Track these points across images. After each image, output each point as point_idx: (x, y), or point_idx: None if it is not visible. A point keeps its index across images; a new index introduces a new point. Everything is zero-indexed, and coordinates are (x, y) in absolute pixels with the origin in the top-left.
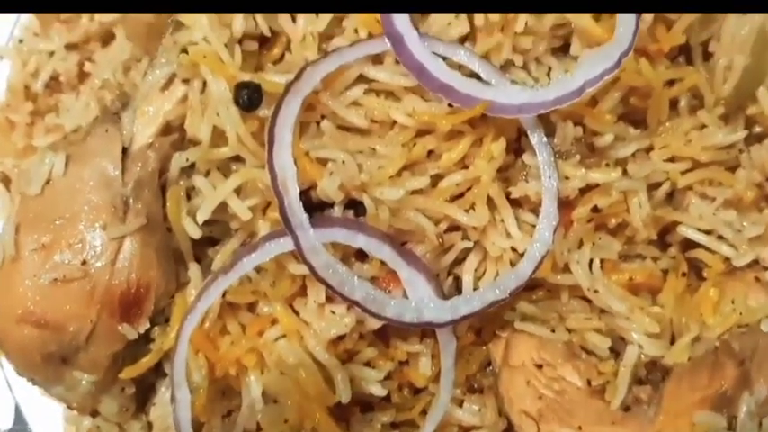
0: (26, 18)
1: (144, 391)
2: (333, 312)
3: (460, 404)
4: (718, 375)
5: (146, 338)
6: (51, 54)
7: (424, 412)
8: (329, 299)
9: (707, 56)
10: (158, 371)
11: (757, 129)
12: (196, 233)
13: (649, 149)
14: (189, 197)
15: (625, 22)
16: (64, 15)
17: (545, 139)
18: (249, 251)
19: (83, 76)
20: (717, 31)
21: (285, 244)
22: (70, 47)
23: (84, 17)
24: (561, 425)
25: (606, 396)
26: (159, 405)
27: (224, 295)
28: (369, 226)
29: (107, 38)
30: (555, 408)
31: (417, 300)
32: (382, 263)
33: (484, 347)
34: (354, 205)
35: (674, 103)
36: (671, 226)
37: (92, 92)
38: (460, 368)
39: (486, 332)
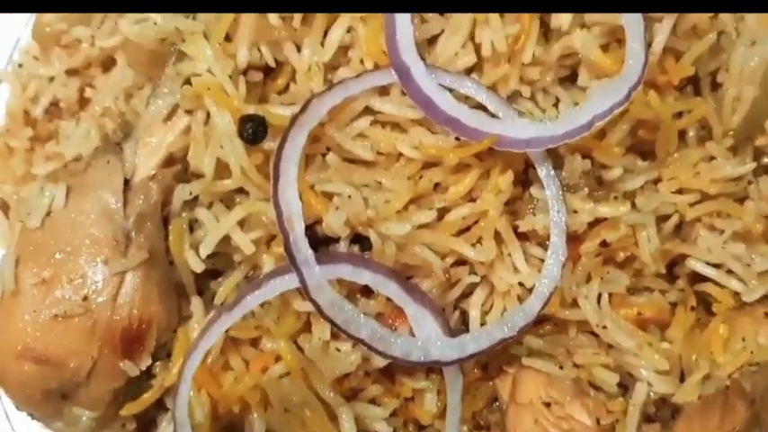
0: (25, 41)
1: (145, 426)
2: (338, 350)
3: None
4: (730, 417)
5: (147, 374)
6: (51, 79)
7: None
8: (334, 336)
9: (715, 86)
10: (160, 406)
11: (766, 160)
12: (199, 267)
13: (657, 181)
14: (191, 229)
15: (634, 54)
16: (64, 40)
17: (553, 172)
18: (253, 288)
19: (83, 102)
20: (725, 61)
21: (290, 281)
22: (70, 72)
23: (85, 42)
24: None
25: None
26: None
27: (227, 330)
28: (374, 262)
29: (108, 63)
30: None
31: (424, 338)
32: (388, 299)
33: (490, 383)
34: (360, 240)
35: (682, 134)
36: (679, 258)
37: (92, 119)
38: (467, 404)
39: (493, 367)
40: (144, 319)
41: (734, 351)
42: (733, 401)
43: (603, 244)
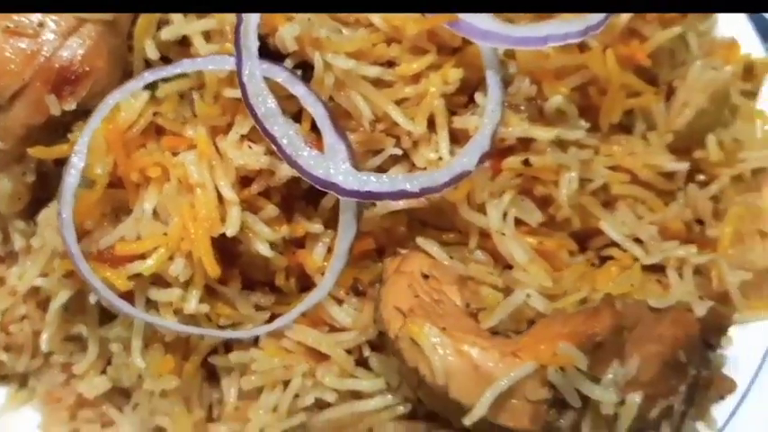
0: None
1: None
2: (250, 147)
3: (339, 303)
4: (593, 320)
5: (65, 131)
6: None
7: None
8: (251, 140)
9: (669, 93)
10: None
11: (700, 177)
12: (154, 53)
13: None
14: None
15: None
16: None
17: (500, 81)
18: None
19: None
20: (684, 72)
21: (227, 61)
22: None
23: None
24: (427, 321)
25: (480, 318)
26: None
27: (155, 113)
28: (311, 86)
29: None
30: (427, 309)
31: (333, 163)
32: (310, 129)
33: (380, 264)
34: (304, 68)
35: (628, 129)
36: (592, 232)
37: None
38: (351, 271)
39: (388, 253)
40: (84, 66)
41: (617, 282)
42: (600, 309)
43: (526, 163)
